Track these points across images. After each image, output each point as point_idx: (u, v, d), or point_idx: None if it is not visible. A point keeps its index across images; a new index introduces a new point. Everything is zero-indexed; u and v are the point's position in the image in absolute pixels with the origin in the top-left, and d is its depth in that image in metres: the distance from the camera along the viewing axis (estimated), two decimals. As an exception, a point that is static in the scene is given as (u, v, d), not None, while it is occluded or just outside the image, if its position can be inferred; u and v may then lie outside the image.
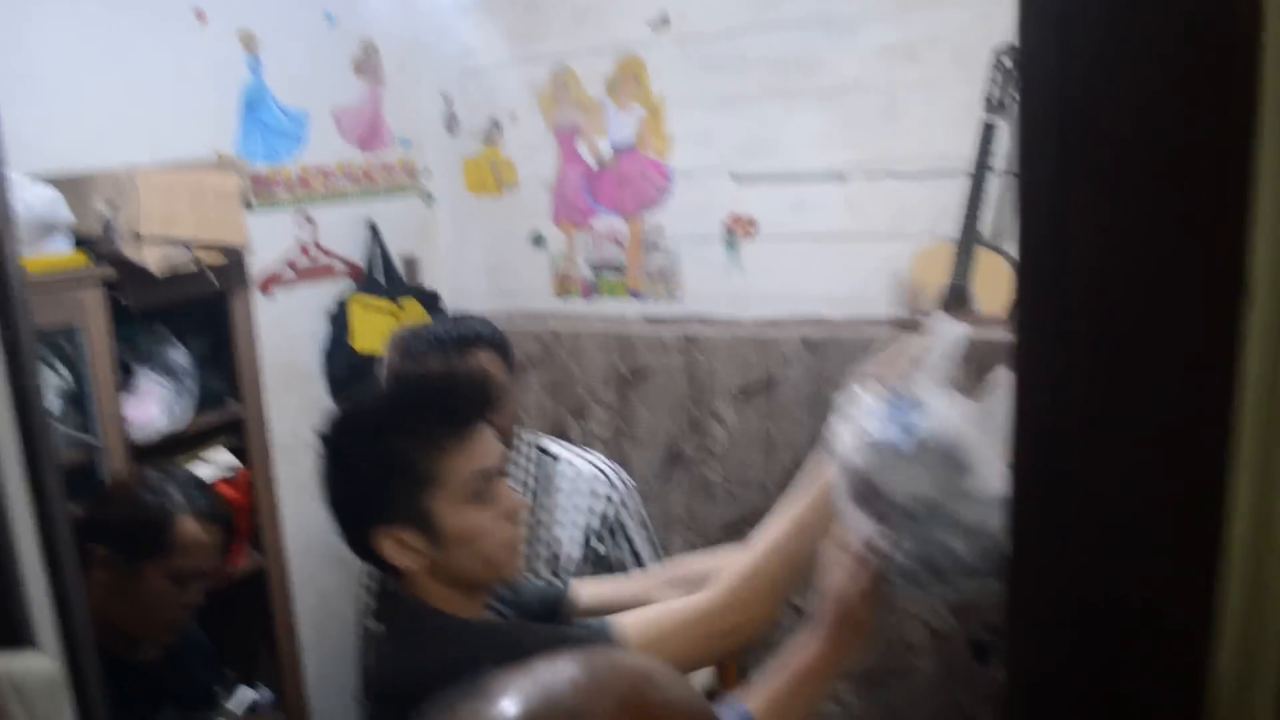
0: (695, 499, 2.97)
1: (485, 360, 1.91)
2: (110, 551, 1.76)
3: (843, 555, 1.20)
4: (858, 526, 1.19)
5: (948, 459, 1.09)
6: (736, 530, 2.90)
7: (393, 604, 1.40)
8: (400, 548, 1.32)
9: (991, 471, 1.11)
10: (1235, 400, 0.71)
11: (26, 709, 0.51)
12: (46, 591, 0.83)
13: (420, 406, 1.36)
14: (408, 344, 1.94)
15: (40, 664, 0.63)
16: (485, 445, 1.35)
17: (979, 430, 1.12)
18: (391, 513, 1.31)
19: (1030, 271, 0.84)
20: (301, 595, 2.94)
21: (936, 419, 1.10)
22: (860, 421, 1.17)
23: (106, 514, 1.85)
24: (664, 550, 2.97)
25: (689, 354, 2.92)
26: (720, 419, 2.90)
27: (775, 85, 2.90)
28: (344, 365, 3.14)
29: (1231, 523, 0.75)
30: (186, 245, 2.31)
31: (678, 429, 2.97)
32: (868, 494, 1.16)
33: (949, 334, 1.15)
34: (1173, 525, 0.80)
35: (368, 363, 3.12)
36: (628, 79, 3.14)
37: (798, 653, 1.21)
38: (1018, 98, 0.79)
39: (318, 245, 3.14)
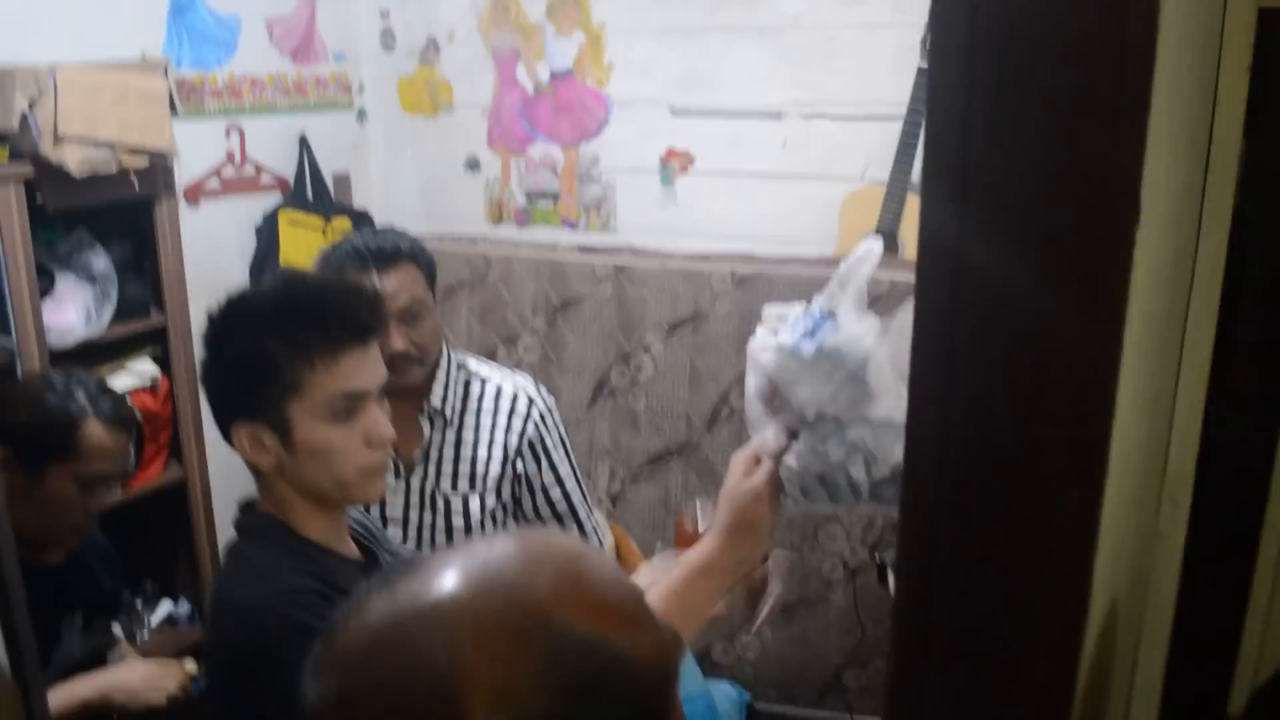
0: (621, 429, 3.01)
1: (404, 276, 1.90)
2: (13, 454, 1.74)
3: (741, 457, 1.24)
4: (761, 430, 1.24)
5: (847, 372, 1.13)
6: (660, 460, 2.96)
7: (248, 515, 1.39)
8: (256, 445, 1.32)
9: (891, 394, 1.16)
10: (1124, 318, 0.76)
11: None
12: None
13: (299, 314, 1.32)
14: (327, 255, 1.94)
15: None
16: (359, 366, 1.33)
17: (887, 352, 1.16)
18: (252, 410, 1.31)
19: (932, 203, 0.88)
20: (222, 508, 2.93)
21: (843, 332, 1.15)
22: (775, 329, 1.21)
23: (10, 416, 1.83)
24: (587, 476, 3.02)
25: (619, 284, 2.94)
26: (648, 350, 2.93)
27: (717, 19, 2.90)
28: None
29: (1114, 432, 0.80)
30: (109, 147, 2.26)
31: (606, 359, 3.01)
32: (773, 400, 1.21)
33: (864, 253, 1.19)
34: (1060, 441, 0.85)
35: (295, 279, 3.09)
36: (569, 4, 3.11)
37: (695, 550, 1.24)
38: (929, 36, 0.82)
39: (246, 157, 3.09)
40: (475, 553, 0.67)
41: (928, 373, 0.91)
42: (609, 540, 2.23)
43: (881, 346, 1.17)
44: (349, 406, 1.32)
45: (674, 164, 3.08)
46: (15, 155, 2.19)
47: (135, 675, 1.87)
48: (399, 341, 1.88)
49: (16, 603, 1.30)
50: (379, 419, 1.35)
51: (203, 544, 2.76)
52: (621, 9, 3.03)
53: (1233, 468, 1.30)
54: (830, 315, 1.16)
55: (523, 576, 0.64)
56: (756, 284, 2.76)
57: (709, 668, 2.91)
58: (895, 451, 1.15)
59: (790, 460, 1.21)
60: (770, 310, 1.27)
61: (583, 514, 2.08)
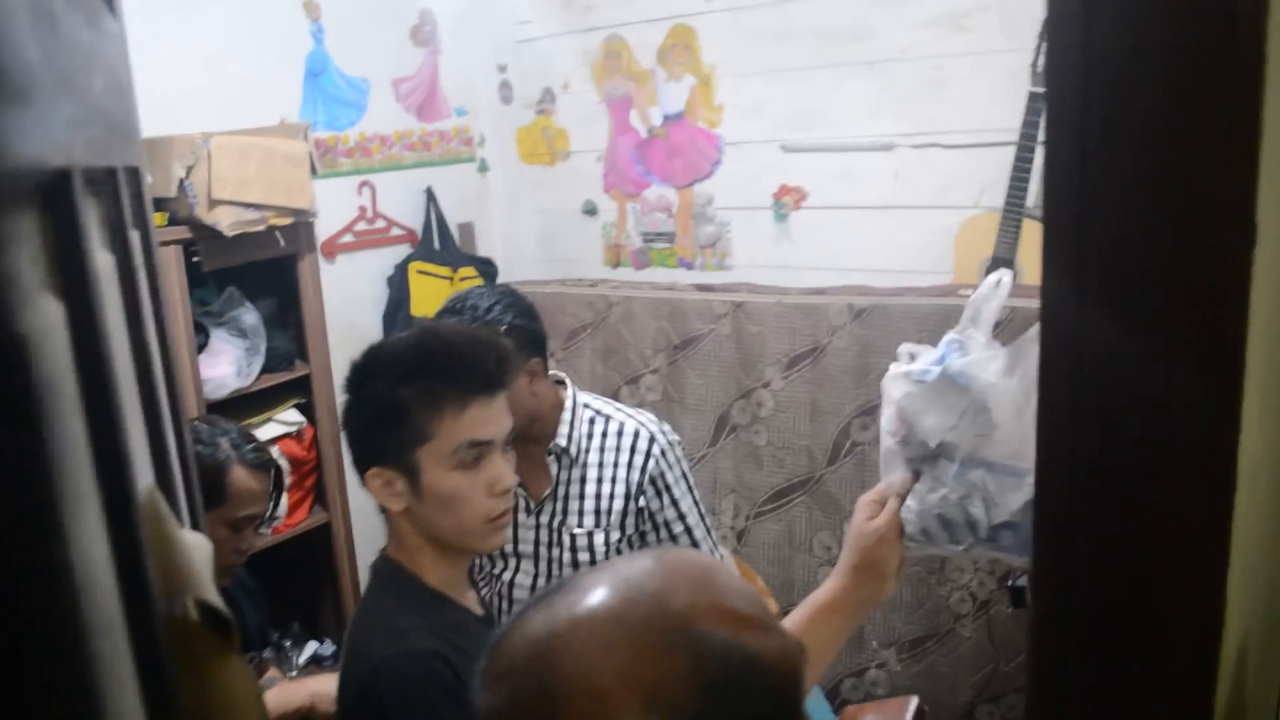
0: (744, 465, 3.05)
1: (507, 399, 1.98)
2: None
3: (866, 499, 1.28)
4: (889, 468, 1.28)
5: (971, 399, 1.16)
6: (783, 495, 2.99)
7: (381, 561, 1.47)
8: (388, 489, 1.39)
9: (1014, 434, 1.18)
10: (1245, 336, 0.78)
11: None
12: (181, 477, 0.93)
13: (431, 364, 1.39)
14: (444, 311, 2.03)
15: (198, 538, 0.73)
16: (485, 416, 1.39)
17: (1011, 386, 1.19)
18: (385, 455, 1.38)
19: (1055, 231, 0.92)
20: (364, 551, 3.07)
21: (969, 357, 1.18)
22: (908, 362, 1.25)
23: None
24: (712, 512, 3.06)
25: (738, 321, 2.99)
26: (768, 385, 2.97)
27: (824, 56, 2.95)
28: (403, 329, 3.25)
29: (1240, 449, 0.82)
30: (257, 208, 2.42)
31: (726, 396, 3.05)
32: (900, 432, 1.24)
33: (995, 285, 1.22)
34: (1194, 470, 0.87)
35: (424, 326, 3.24)
36: (679, 49, 3.20)
37: (822, 589, 1.28)
38: (1044, 63, 0.86)
39: (377, 211, 3.25)
40: (618, 569, 0.74)
41: (1055, 395, 0.94)
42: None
43: (1006, 379, 1.19)
44: (475, 455, 1.38)
45: (787, 200, 3.13)
46: (173, 220, 2.37)
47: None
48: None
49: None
50: (502, 469, 1.42)
51: (346, 585, 2.89)
52: (731, 51, 3.11)
53: None
54: (959, 345, 1.19)
55: (664, 587, 0.71)
56: (874, 315, 2.78)
57: (839, 705, 2.91)
58: (1013, 499, 1.17)
59: (911, 501, 1.24)
60: (905, 348, 1.31)
61: (706, 548, 2.13)
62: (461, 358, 1.40)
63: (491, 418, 1.40)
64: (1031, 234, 2.59)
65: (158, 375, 0.77)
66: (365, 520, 3.06)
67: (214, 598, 0.62)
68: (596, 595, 0.71)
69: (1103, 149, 0.87)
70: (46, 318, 0.45)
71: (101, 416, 0.50)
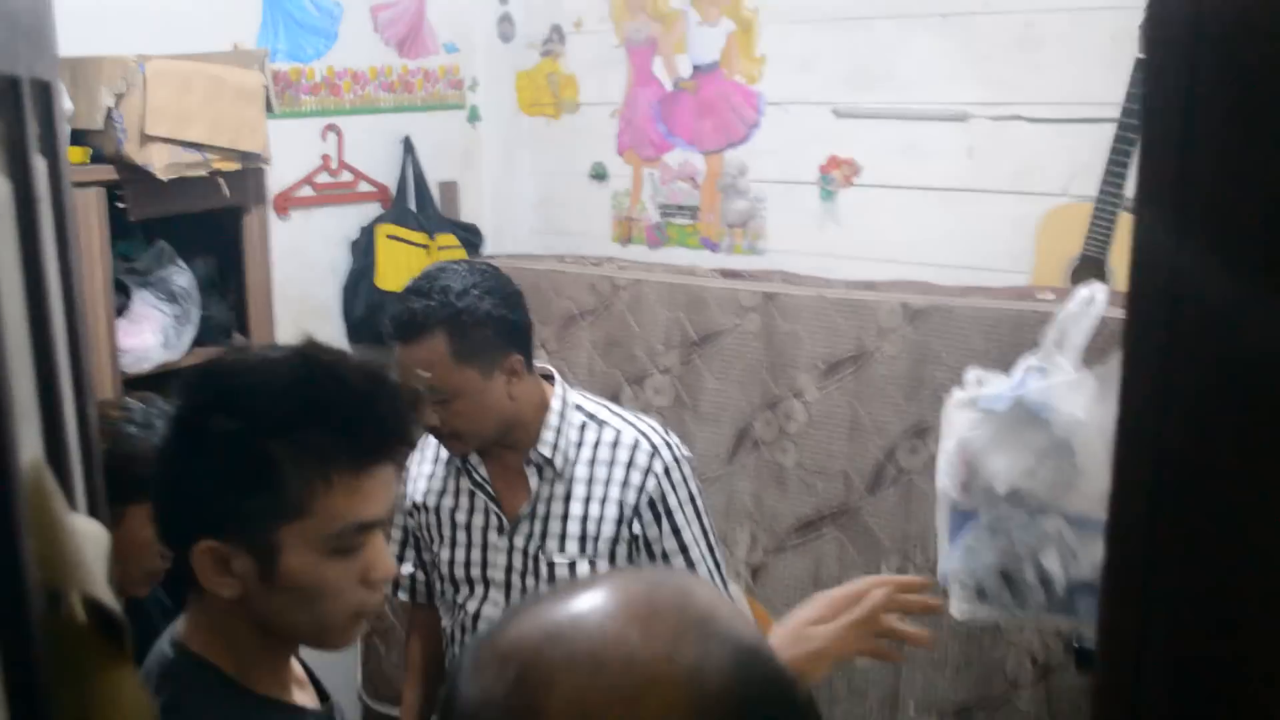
0: (765, 487, 3.05)
1: (427, 353, 1.94)
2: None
3: (830, 595, 1.27)
4: (944, 510, 1.27)
5: (1052, 437, 1.15)
6: (811, 526, 2.98)
7: (180, 658, 1.27)
8: (220, 569, 1.20)
9: (1101, 480, 1.17)
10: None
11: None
12: (79, 453, 0.94)
13: (323, 413, 1.19)
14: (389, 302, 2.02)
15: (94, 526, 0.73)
16: (384, 490, 1.24)
17: (1101, 422, 1.18)
18: (230, 526, 1.19)
19: (1147, 222, 0.91)
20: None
21: (1051, 385, 1.17)
22: (976, 388, 1.24)
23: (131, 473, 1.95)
24: (723, 542, 3.06)
25: (768, 316, 2.99)
26: (800, 395, 2.97)
27: (891, 3, 2.95)
28: (365, 305, 3.26)
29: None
30: (199, 148, 2.43)
31: (750, 404, 3.05)
32: (966, 477, 1.23)
33: (1087, 300, 1.21)
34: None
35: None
36: (717, -14, 3.21)
37: None
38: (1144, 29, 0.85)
39: (343, 162, 3.26)
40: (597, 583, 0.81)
41: (1136, 423, 0.93)
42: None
43: (1097, 410, 1.18)
44: (360, 541, 1.23)
45: (836, 175, 3.13)
46: (96, 157, 2.38)
47: None
48: (429, 417, 1.91)
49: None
50: (384, 553, 1.26)
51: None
52: (778, -8, 3.12)
53: None
54: (1040, 371, 1.18)
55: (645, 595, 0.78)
56: (933, 318, 2.77)
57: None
58: (1098, 552, 1.16)
59: (957, 560, 1.23)
60: (973, 373, 1.30)
61: (716, 581, 2.13)
62: (367, 408, 1.21)
63: (386, 490, 1.25)
64: (1128, 231, 2.58)
65: (57, 335, 0.77)
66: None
67: (105, 596, 0.62)
68: (591, 599, 0.76)
69: (1208, 122, 0.87)
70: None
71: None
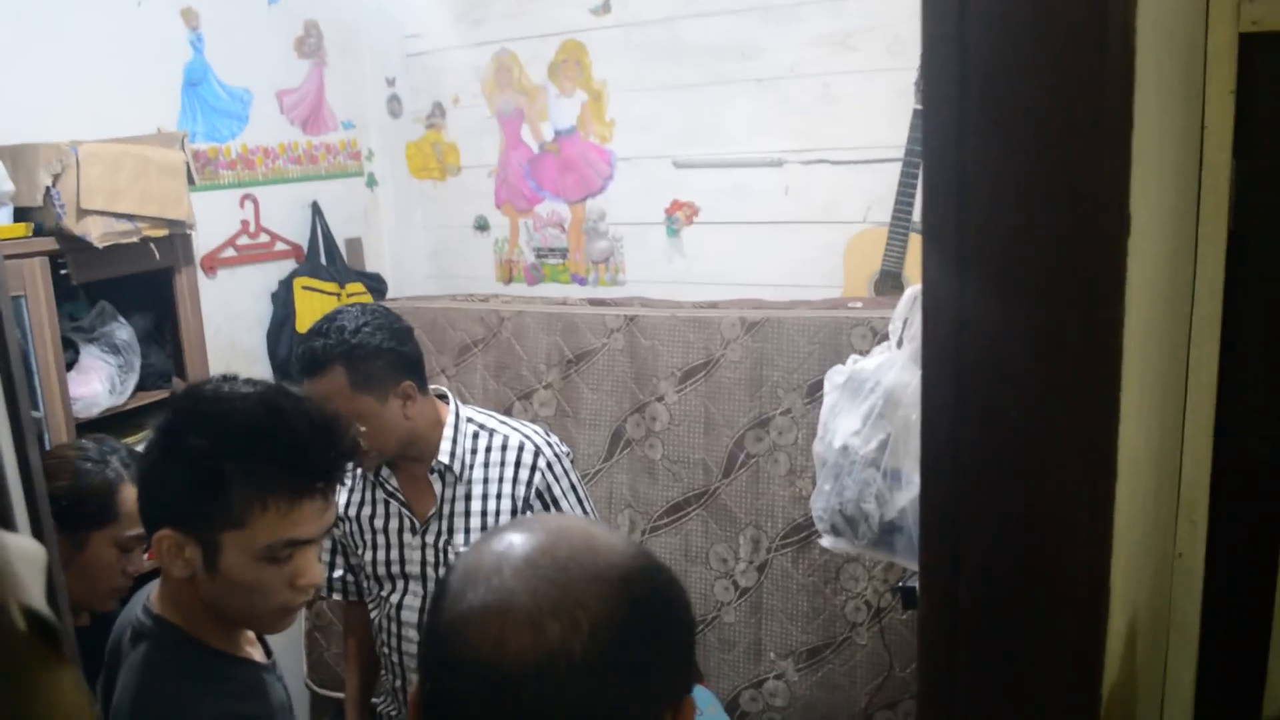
0: (639, 479, 3.03)
1: (328, 386, 1.89)
2: (55, 523, 1.78)
3: None
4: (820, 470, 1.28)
5: (873, 402, 1.17)
6: (679, 508, 2.98)
7: (151, 621, 1.31)
8: (174, 554, 1.24)
9: (912, 449, 1.20)
10: (1122, 325, 0.80)
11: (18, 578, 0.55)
12: (19, 483, 0.88)
13: (270, 448, 1.22)
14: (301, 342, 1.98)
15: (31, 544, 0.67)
16: (315, 516, 1.25)
17: (911, 380, 1.20)
18: (184, 522, 1.23)
19: (935, 231, 0.92)
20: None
21: (877, 360, 1.19)
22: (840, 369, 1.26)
23: (49, 486, 1.86)
24: (613, 528, 3.04)
25: (631, 335, 2.98)
26: (662, 399, 2.96)
27: (714, 72, 2.98)
28: (288, 348, 3.15)
29: (1120, 440, 0.83)
30: (130, 219, 2.32)
31: (621, 410, 3.04)
32: (822, 434, 1.25)
33: (911, 296, 1.24)
34: (1076, 460, 0.88)
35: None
36: (570, 65, 3.19)
37: None
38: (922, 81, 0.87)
39: (260, 225, 3.16)
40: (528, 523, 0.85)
41: (937, 392, 0.94)
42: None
43: (912, 377, 1.21)
44: (288, 552, 1.25)
45: (679, 215, 3.14)
46: (39, 230, 2.26)
47: None
48: None
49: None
50: (311, 563, 1.28)
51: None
52: (621, 67, 3.11)
53: (1248, 485, 1.32)
54: (882, 354, 1.21)
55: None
56: (766, 328, 2.80)
57: (738, 718, 2.91)
58: (900, 498, 1.19)
59: (817, 502, 1.25)
60: (852, 357, 1.32)
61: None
62: (304, 449, 1.23)
63: (319, 517, 1.27)
64: (919, 248, 2.64)
65: None
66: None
67: (40, 604, 0.57)
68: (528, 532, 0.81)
69: (979, 153, 0.89)
70: None
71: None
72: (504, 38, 3.29)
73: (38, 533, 0.96)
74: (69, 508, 1.80)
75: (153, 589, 1.36)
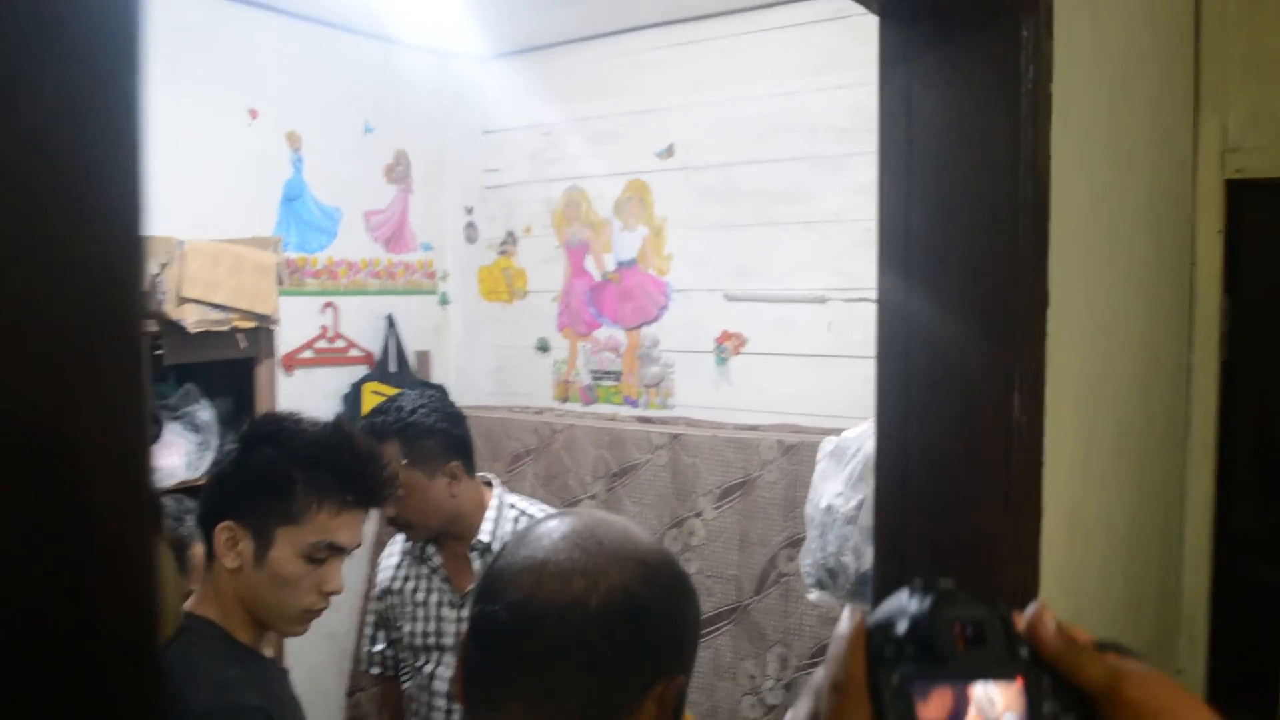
0: (672, 593, 3.12)
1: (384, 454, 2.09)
2: None
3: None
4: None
5: (852, 468, 1.30)
6: (710, 623, 3.05)
7: (191, 621, 1.48)
8: (231, 544, 1.44)
9: None
10: (1045, 359, 0.94)
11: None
12: None
13: (332, 462, 1.46)
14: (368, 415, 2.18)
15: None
16: (353, 526, 1.49)
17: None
18: (247, 516, 1.44)
19: (886, 309, 1.08)
20: (293, 667, 3.07)
21: (858, 430, 1.32)
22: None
23: None
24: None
25: (674, 452, 3.12)
26: (700, 515, 3.08)
27: (766, 214, 3.19)
28: (351, 445, 3.34)
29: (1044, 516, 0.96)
30: (222, 308, 2.56)
31: (661, 523, 3.15)
32: (812, 497, 1.38)
33: None
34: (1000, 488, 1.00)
35: (373, 443, 3.33)
36: (634, 202, 3.44)
37: None
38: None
39: (338, 332, 3.40)
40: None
41: (888, 441, 1.08)
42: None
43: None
44: (325, 555, 1.46)
45: (728, 345, 3.31)
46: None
47: None
48: (389, 509, 2.07)
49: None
50: (337, 573, 1.49)
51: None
52: (681, 206, 3.35)
53: (1247, 603, 1.42)
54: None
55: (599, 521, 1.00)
56: (802, 451, 2.92)
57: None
58: (870, 553, 1.31)
59: (805, 558, 1.37)
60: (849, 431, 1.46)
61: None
62: (361, 469, 1.48)
63: (356, 528, 1.50)
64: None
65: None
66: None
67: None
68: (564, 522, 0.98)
69: (923, 228, 1.05)
70: None
71: None
72: (575, 175, 3.56)
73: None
74: None
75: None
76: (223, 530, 1.45)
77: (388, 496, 1.55)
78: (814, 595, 1.37)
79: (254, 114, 3.07)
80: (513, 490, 3.32)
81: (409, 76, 3.56)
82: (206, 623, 1.47)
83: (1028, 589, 1.01)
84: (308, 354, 3.31)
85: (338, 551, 1.47)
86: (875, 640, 0.50)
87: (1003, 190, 0.97)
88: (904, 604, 0.51)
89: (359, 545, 1.52)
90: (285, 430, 1.48)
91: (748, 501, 3.00)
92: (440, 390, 3.59)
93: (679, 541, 3.10)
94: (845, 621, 0.52)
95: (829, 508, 1.30)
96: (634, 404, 3.52)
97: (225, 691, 1.37)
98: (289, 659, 3.00)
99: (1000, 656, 0.49)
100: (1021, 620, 0.50)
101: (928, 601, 0.50)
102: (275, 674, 1.52)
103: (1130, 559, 1.16)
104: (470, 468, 2.18)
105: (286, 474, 1.44)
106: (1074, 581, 1.17)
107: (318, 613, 1.50)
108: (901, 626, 0.50)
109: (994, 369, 1.00)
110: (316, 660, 3.25)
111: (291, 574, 1.44)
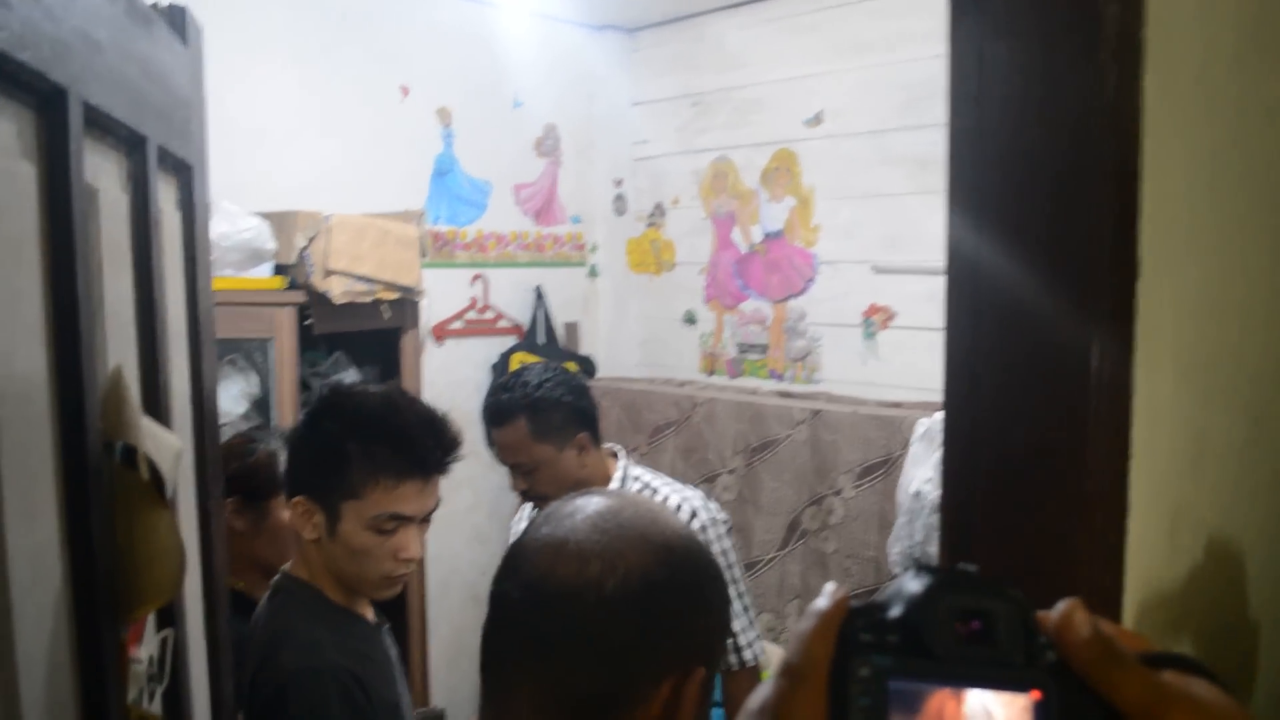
0: (811, 571, 3.05)
1: (511, 435, 2.05)
2: (238, 500, 1.99)
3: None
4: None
5: (938, 452, 1.21)
6: (847, 605, 2.96)
7: (284, 578, 1.53)
8: (305, 518, 1.46)
9: None
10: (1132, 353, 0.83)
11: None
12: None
13: (384, 433, 1.43)
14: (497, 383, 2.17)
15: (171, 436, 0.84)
16: (415, 495, 1.44)
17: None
18: (315, 491, 1.45)
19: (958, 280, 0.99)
20: (436, 628, 3.17)
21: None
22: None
23: (229, 470, 2.07)
24: (776, 615, 3.06)
25: (814, 428, 3.04)
26: (839, 493, 2.99)
27: (918, 182, 3.04)
28: (499, 414, 3.40)
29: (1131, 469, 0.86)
30: (367, 280, 2.63)
31: (799, 500, 3.08)
32: (902, 482, 1.30)
33: None
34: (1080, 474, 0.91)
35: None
36: (782, 171, 3.35)
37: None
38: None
39: (487, 303, 3.46)
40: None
41: (957, 423, 0.99)
42: (767, 662, 2.27)
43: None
44: (393, 526, 1.44)
45: (876, 319, 3.19)
46: (291, 285, 2.60)
47: None
48: (519, 483, 2.06)
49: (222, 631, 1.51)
50: (412, 540, 1.47)
51: (415, 661, 2.98)
52: (829, 176, 3.24)
53: None
54: None
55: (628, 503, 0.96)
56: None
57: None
58: None
59: (894, 546, 1.29)
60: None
61: (737, 625, 2.14)
62: (412, 438, 1.44)
63: (420, 497, 1.46)
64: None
65: (162, 323, 0.89)
66: (440, 599, 3.17)
67: (155, 456, 0.72)
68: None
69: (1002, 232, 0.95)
70: (18, 183, 0.58)
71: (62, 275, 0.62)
72: (723, 146, 3.49)
73: (204, 498, 1.14)
74: (245, 482, 2.02)
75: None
76: (297, 505, 1.47)
77: (449, 463, 1.50)
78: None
79: (405, 91, 3.14)
80: (652, 464, 3.32)
81: (557, 50, 3.57)
82: (299, 583, 1.51)
83: (1108, 595, 0.91)
84: (458, 325, 3.38)
85: (405, 520, 1.45)
86: (854, 623, 0.41)
87: (1082, 150, 0.87)
88: (904, 585, 0.42)
89: (428, 513, 1.50)
90: (345, 404, 1.48)
91: (889, 481, 2.89)
92: (587, 361, 3.63)
93: (816, 520, 3.02)
94: (824, 598, 0.45)
95: (917, 493, 1.22)
96: (779, 378, 3.44)
97: (312, 653, 1.39)
98: (433, 621, 3.09)
99: (1011, 660, 0.40)
100: (1050, 619, 0.40)
101: (927, 584, 0.41)
102: (367, 633, 1.53)
103: (1272, 578, 1.03)
104: (597, 438, 2.17)
105: (342, 448, 1.43)
106: (1175, 593, 1.06)
107: (400, 578, 1.50)
108: (894, 611, 0.41)
109: (1070, 348, 0.91)
110: (463, 622, 3.34)
111: (362, 545, 1.44)
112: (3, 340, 0.54)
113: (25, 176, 0.58)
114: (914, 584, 0.41)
